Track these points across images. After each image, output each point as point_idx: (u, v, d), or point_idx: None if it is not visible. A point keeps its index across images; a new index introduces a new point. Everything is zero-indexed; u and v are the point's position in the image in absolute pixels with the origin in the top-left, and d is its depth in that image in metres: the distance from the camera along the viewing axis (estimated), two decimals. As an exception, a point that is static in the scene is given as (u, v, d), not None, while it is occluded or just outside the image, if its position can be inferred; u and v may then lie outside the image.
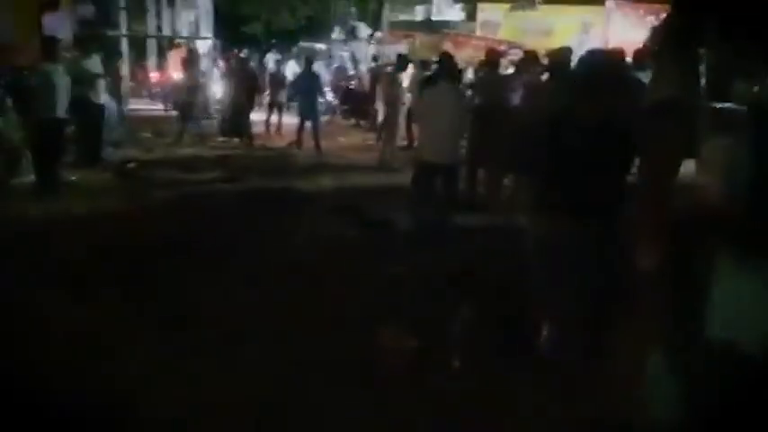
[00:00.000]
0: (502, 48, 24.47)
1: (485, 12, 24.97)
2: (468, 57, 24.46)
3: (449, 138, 6.90)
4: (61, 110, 8.04)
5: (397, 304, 4.92)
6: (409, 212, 7.17)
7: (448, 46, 25.49)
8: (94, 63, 10.31)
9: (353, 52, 21.87)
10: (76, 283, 5.21)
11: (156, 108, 17.25)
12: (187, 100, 12.75)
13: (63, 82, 8.06)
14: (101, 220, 7.17)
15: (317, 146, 11.89)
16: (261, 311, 4.88)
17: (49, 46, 8.13)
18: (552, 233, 3.68)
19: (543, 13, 24.65)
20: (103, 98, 10.31)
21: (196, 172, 9.84)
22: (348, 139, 14.19)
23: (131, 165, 9.97)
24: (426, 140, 7.15)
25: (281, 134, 13.54)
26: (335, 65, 22.81)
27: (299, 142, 12.04)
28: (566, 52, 7.43)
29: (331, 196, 8.68)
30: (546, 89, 7.08)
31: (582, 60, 3.81)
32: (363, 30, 28.03)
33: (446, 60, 7.60)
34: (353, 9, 28.61)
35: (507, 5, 24.87)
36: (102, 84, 10.46)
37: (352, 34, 27.29)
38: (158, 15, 19.97)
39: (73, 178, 8.82)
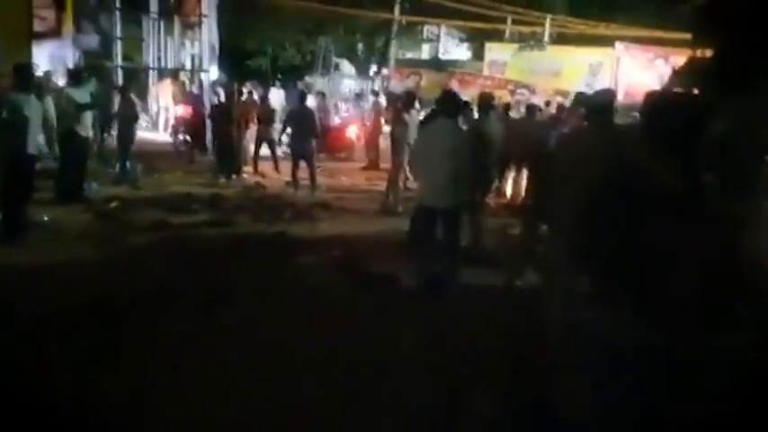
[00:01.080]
0: (509, 87, 23.99)
1: (492, 51, 24.34)
2: (475, 96, 23.83)
3: (448, 178, 6.00)
4: (32, 145, 7.14)
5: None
6: (409, 265, 6.28)
7: (454, 84, 24.94)
8: (82, 94, 9.47)
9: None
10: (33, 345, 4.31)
11: (156, 140, 16.43)
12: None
13: (36, 114, 7.18)
14: (65, 270, 6.20)
15: (313, 185, 10.92)
16: (246, 372, 4.26)
17: (21, 74, 7.18)
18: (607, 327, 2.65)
19: (552, 54, 24.03)
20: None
21: (184, 213, 8.87)
22: (350, 179, 13.30)
23: (114, 204, 9.05)
24: (424, 182, 6.31)
25: (278, 171, 12.59)
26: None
27: (294, 182, 11.02)
28: (608, 94, 5.78)
29: (326, 244, 7.72)
30: (588, 139, 5.20)
31: (653, 105, 2.82)
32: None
33: (446, 96, 6.67)
34: (360, 45, 27.95)
35: (515, 45, 24.29)
36: (89, 116, 9.62)
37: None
38: (162, 47, 19.22)
39: (45, 218, 7.88)
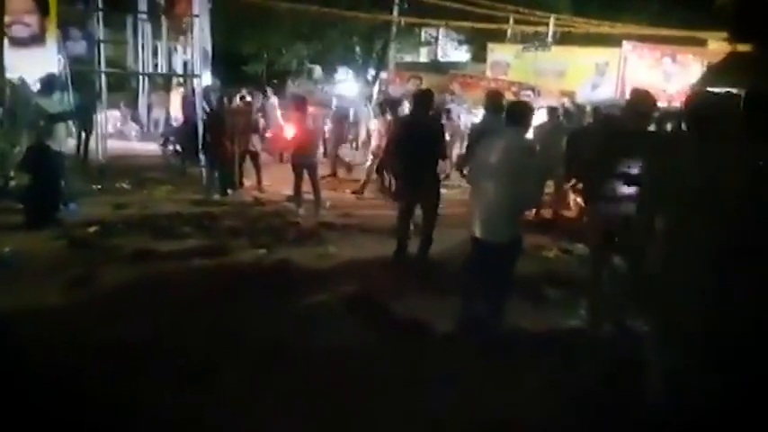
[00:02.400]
0: (513, 89, 22.66)
1: (495, 52, 22.99)
2: (477, 99, 22.52)
3: (513, 206, 4.71)
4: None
5: None
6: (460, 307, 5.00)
7: (456, 87, 23.63)
8: (53, 104, 8.13)
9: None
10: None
11: (148, 151, 15.06)
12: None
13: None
14: (26, 315, 4.88)
15: (317, 201, 9.45)
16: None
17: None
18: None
19: (556, 54, 22.70)
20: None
21: (172, 239, 7.50)
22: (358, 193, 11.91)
23: (93, 229, 7.69)
24: (481, 209, 4.90)
25: (260, 188, 11.24)
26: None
27: (296, 198, 9.48)
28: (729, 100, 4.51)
29: (338, 276, 6.39)
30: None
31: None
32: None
33: (496, 101, 5.35)
34: (357, 48, 26.58)
35: (519, 46, 22.97)
36: (62, 128, 8.27)
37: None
38: (151, 51, 17.82)
39: (6, 250, 6.53)
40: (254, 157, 11.30)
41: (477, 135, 6.65)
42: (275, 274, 6.34)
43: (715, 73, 16.53)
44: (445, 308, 5.15)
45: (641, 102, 4.90)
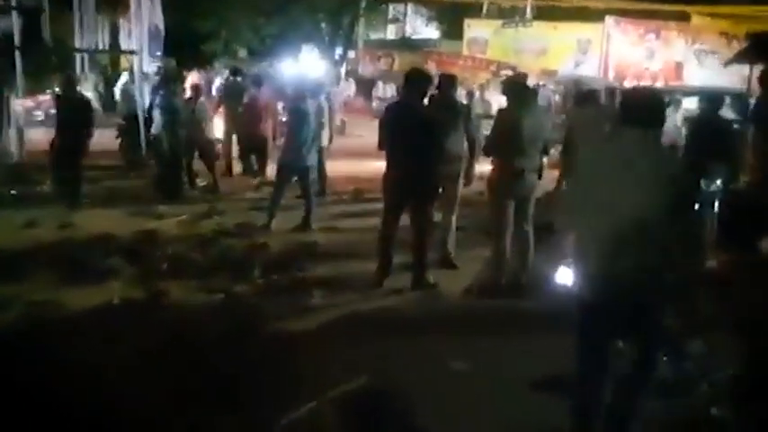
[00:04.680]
0: (492, 68, 20.41)
1: (472, 28, 20.62)
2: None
3: (653, 240, 2.54)
4: None
5: None
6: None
7: (431, 65, 21.22)
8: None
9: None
10: None
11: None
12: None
13: None
14: None
15: (307, 215, 7.00)
16: None
17: None
18: None
19: (537, 31, 20.39)
20: None
21: (87, 280, 5.06)
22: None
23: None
24: (596, 244, 2.73)
25: (216, 187, 8.79)
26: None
27: (272, 209, 6.97)
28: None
29: (348, 342, 4.09)
30: None
31: None
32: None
33: (634, 96, 3.07)
34: (324, 25, 23.90)
35: (498, 22, 20.65)
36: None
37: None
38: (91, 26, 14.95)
39: None
40: (204, 149, 8.81)
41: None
42: (240, 351, 3.97)
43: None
44: None
45: None
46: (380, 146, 5.09)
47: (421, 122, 4.84)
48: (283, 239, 6.44)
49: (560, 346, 3.49)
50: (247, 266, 5.47)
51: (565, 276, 2.93)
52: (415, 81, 4.93)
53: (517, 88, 4.75)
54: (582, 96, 7.70)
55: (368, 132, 10.83)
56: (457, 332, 4.26)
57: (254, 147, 9.32)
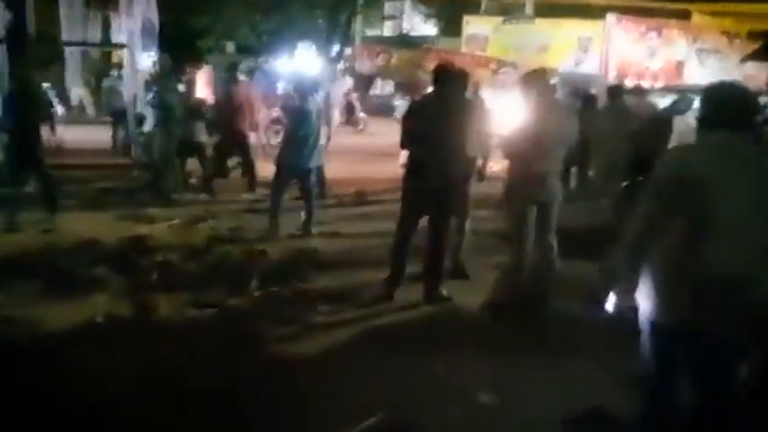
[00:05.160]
0: (492, 66, 19.93)
1: (471, 25, 20.11)
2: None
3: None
4: None
5: None
6: None
7: (429, 63, 20.72)
8: None
9: None
10: None
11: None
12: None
13: None
14: None
15: (307, 225, 6.48)
16: None
17: None
18: None
19: (538, 28, 19.95)
20: None
21: (75, 287, 4.61)
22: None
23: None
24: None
25: (211, 191, 8.20)
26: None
27: (273, 210, 6.45)
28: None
29: (358, 367, 3.64)
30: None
31: None
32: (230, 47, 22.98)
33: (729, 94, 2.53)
34: (319, 20, 23.37)
35: (498, 18, 20.14)
36: None
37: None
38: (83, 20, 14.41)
39: None
40: (198, 148, 8.29)
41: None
42: (226, 375, 3.50)
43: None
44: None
45: None
46: (403, 145, 4.67)
47: (454, 121, 4.41)
48: (282, 246, 5.97)
49: (593, 373, 3.07)
50: (244, 277, 5.00)
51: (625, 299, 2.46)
52: (446, 77, 4.50)
53: (538, 84, 4.30)
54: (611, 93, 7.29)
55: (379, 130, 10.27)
56: (477, 355, 3.81)
57: (232, 145, 8.57)
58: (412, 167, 4.59)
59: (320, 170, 7.84)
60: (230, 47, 23.27)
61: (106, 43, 12.83)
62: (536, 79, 4.33)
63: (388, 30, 27.58)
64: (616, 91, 7.58)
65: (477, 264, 5.33)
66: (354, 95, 16.10)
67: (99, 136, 11.10)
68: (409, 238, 4.62)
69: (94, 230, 6.17)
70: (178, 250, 5.70)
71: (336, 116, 14.54)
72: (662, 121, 6.20)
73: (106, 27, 15.30)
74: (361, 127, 15.01)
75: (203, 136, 8.15)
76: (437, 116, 4.43)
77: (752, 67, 19.02)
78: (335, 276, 5.19)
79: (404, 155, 9.12)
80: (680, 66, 19.65)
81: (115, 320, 4.14)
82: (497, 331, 4.15)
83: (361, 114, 15.43)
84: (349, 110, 15.65)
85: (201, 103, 8.13)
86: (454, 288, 4.80)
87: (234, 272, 5.15)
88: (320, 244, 6.11)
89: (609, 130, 6.61)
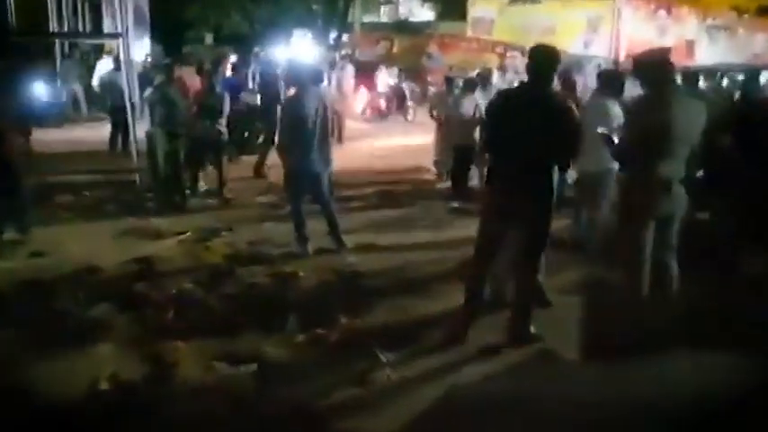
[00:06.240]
0: (498, 50, 18.86)
1: (476, 7, 18.96)
2: (459, 61, 18.63)
3: None
4: None
5: None
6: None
7: (432, 48, 19.67)
8: None
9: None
10: None
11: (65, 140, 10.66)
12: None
13: None
14: None
15: (337, 237, 5.41)
16: None
17: None
18: None
19: (545, 9, 18.84)
20: None
21: (90, 338, 3.62)
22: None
23: None
24: None
25: (224, 198, 7.13)
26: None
27: (300, 236, 5.31)
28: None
29: None
30: None
31: None
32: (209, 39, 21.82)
33: None
34: (315, 6, 22.18)
35: (502, 0, 19.00)
36: None
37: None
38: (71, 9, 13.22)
39: None
40: (217, 150, 7.23)
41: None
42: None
43: None
44: None
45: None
46: (485, 147, 3.70)
47: (558, 118, 3.41)
48: (314, 265, 4.97)
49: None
50: (278, 311, 4.01)
51: None
52: (544, 61, 3.48)
53: (659, 69, 3.31)
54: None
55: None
56: (604, 426, 2.84)
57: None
58: (493, 175, 3.60)
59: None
60: (209, 38, 22.17)
61: (98, 33, 11.66)
62: (658, 60, 3.33)
63: (384, 15, 26.38)
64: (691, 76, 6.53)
65: (553, 283, 4.36)
66: (405, 84, 15.07)
67: (95, 135, 10.05)
68: (489, 266, 3.64)
69: (93, 251, 5.17)
70: (194, 275, 4.70)
71: (355, 109, 13.54)
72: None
73: (98, 19, 14.09)
74: (410, 117, 13.96)
75: (220, 134, 7.08)
76: (532, 110, 3.43)
77: (761, 46, 18.19)
78: (387, 306, 4.23)
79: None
80: (690, 44, 18.74)
81: (124, 388, 3.14)
82: (619, 387, 3.18)
83: (410, 103, 14.35)
84: (399, 98, 14.65)
85: (219, 94, 7.05)
86: (535, 320, 3.83)
87: (265, 305, 4.16)
88: (357, 261, 5.11)
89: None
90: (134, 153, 7.45)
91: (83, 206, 6.72)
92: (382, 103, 14.49)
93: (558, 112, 3.47)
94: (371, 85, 14.58)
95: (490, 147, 3.67)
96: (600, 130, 3.94)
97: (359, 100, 14.21)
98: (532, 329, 3.65)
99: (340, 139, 10.07)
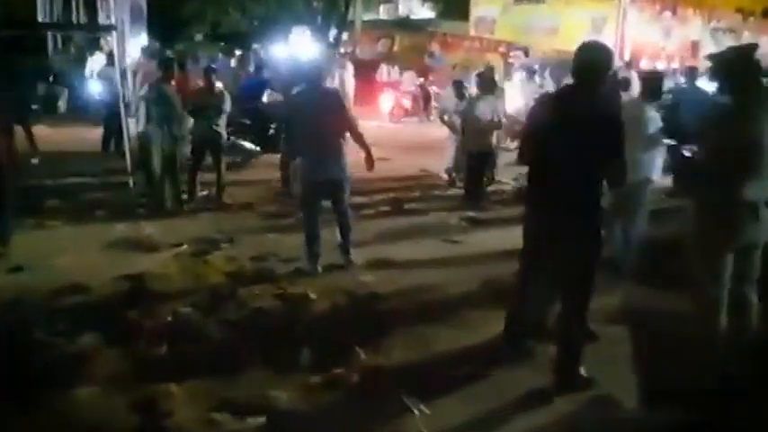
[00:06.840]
0: (501, 49, 18.32)
1: (479, 6, 18.42)
2: (462, 60, 18.07)
3: None
4: None
5: None
6: None
7: (434, 47, 19.12)
8: None
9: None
10: None
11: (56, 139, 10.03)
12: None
13: None
14: None
15: (346, 252, 4.88)
16: None
17: None
18: None
19: (549, 8, 18.33)
20: None
21: (77, 375, 3.08)
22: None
23: None
24: None
25: (222, 200, 6.66)
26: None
27: (311, 252, 4.72)
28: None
29: None
30: None
31: None
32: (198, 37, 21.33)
33: None
34: (315, 3, 21.58)
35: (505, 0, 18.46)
36: None
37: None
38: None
39: None
40: (215, 151, 6.67)
41: None
42: None
43: None
44: None
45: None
46: (522, 156, 3.15)
47: (613, 128, 2.89)
48: (325, 285, 4.43)
49: None
50: (288, 343, 3.48)
51: None
52: (593, 61, 2.95)
53: (746, 71, 2.79)
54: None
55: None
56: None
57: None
58: (535, 193, 3.08)
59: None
60: (198, 36, 21.61)
61: (92, 26, 11.06)
62: (744, 59, 2.81)
63: (384, 13, 25.79)
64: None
65: (592, 311, 3.82)
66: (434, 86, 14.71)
67: (90, 135, 9.48)
68: (532, 296, 3.12)
69: (80, 266, 4.62)
70: (190, 297, 4.15)
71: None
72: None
73: (93, 13, 13.46)
74: (432, 117, 13.48)
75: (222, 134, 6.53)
76: (580, 117, 2.90)
77: (766, 48, 17.69)
78: (408, 335, 3.69)
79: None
80: (695, 46, 18.33)
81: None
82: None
83: (434, 104, 13.87)
84: (426, 99, 14.23)
85: (220, 93, 6.50)
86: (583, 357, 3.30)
87: (272, 335, 3.62)
88: (372, 280, 4.57)
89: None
90: (128, 154, 6.90)
91: (71, 212, 6.15)
92: (407, 104, 14.14)
93: (612, 121, 2.96)
94: (397, 86, 14.58)
95: (534, 160, 3.13)
96: (655, 136, 3.42)
97: (386, 101, 14.07)
98: (582, 371, 3.13)
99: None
